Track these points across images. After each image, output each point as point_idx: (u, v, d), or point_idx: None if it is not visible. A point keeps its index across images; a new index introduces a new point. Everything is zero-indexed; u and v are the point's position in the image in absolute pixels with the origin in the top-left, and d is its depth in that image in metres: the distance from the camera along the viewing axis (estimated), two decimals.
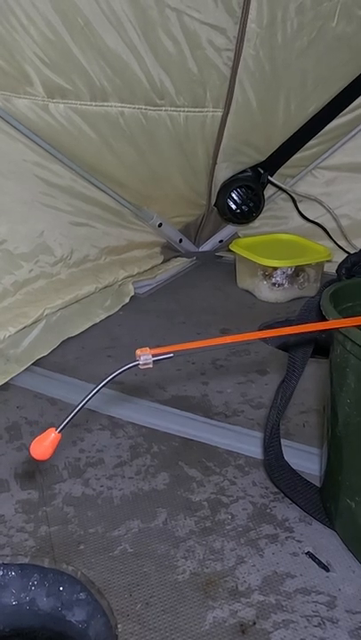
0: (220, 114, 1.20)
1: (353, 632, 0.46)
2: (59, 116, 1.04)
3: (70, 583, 0.53)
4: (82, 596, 0.53)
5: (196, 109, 1.17)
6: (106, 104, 1.07)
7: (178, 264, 1.35)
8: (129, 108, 1.10)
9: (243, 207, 1.29)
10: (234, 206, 1.29)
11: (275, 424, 0.62)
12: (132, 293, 1.15)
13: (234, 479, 0.64)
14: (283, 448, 0.64)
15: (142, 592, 0.50)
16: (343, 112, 1.28)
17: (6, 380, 0.81)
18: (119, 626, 0.46)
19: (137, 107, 1.11)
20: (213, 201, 1.37)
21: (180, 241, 1.41)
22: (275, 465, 0.62)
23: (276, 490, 0.62)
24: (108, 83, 1.04)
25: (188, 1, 1.01)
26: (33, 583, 0.55)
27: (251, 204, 1.30)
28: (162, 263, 1.35)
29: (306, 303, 0.63)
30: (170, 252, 1.41)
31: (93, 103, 1.06)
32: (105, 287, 1.14)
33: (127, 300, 1.13)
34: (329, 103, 1.26)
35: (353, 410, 0.51)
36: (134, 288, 1.17)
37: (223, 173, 1.32)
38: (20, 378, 0.83)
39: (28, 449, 0.66)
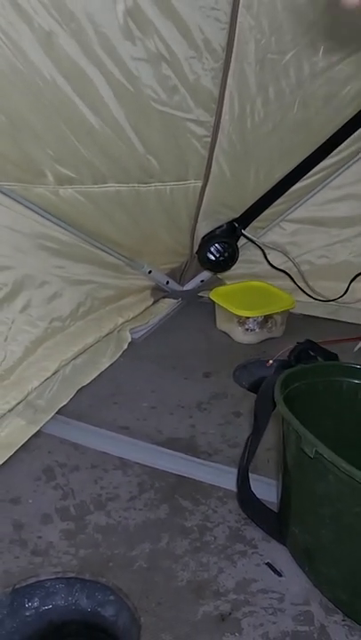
0: (200, 184, 1.42)
1: (295, 617, 0.71)
2: (67, 197, 1.25)
3: (104, 589, 0.77)
4: (112, 598, 0.77)
5: (180, 182, 1.39)
6: (105, 185, 1.28)
7: (166, 306, 1.58)
8: (125, 186, 1.31)
9: (220, 259, 1.52)
10: (213, 258, 1.52)
11: (244, 469, 0.86)
12: (130, 339, 1.37)
13: (215, 508, 0.88)
14: (251, 481, 0.88)
15: (155, 595, 0.73)
16: (303, 178, 1.51)
17: (38, 429, 1.04)
18: (142, 619, 0.70)
19: (131, 185, 1.32)
20: (195, 249, 1.60)
21: (167, 283, 1.64)
22: (245, 498, 0.86)
23: (246, 516, 0.86)
24: (107, 170, 1.26)
25: (173, 105, 1.23)
26: (77, 590, 0.78)
27: (227, 255, 1.53)
28: (152, 304, 1.58)
29: (266, 381, 0.86)
30: (158, 292, 1.64)
31: (95, 186, 1.27)
32: (107, 335, 1.37)
33: (125, 346, 1.36)
34: (291, 172, 1.49)
35: (294, 467, 0.75)
36: (131, 334, 1.40)
37: (203, 229, 1.55)
38: (47, 426, 1.06)
39: (62, 488, 0.90)
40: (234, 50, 1.21)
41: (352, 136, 1.44)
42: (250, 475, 0.87)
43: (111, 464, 0.97)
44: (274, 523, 0.83)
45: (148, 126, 1.24)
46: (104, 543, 0.81)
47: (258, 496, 0.88)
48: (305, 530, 0.75)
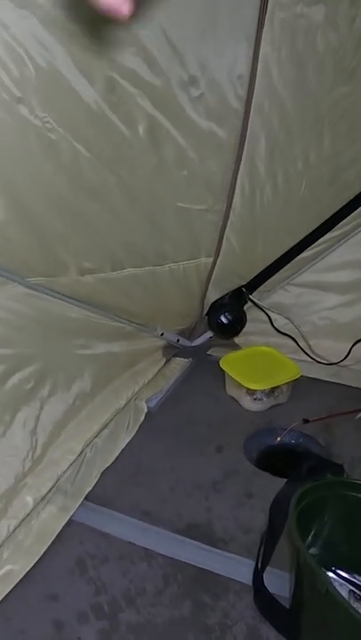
0: (210, 259, 1.51)
1: None
2: (88, 284, 1.33)
3: None
4: None
5: (192, 261, 1.48)
6: (124, 271, 1.36)
7: (177, 367, 1.67)
8: (141, 269, 1.40)
9: (229, 327, 1.61)
10: (222, 326, 1.61)
11: (260, 575, 0.96)
12: (146, 410, 1.47)
13: (234, 604, 0.99)
14: (265, 574, 0.99)
15: None
16: (307, 249, 1.60)
17: (69, 517, 1.14)
18: None
19: (147, 268, 1.40)
20: (205, 312, 1.69)
21: (178, 340, 1.73)
22: (260, 599, 0.96)
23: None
24: (125, 258, 1.34)
25: (188, 200, 1.30)
26: None
27: (235, 322, 1.62)
28: (164, 365, 1.67)
29: (281, 493, 0.96)
30: (169, 350, 1.73)
31: (114, 273, 1.35)
32: (125, 405, 1.46)
33: (142, 417, 1.45)
34: (297, 244, 1.57)
35: (307, 589, 0.85)
36: (147, 403, 1.49)
37: (213, 295, 1.64)
38: (77, 513, 1.15)
39: (94, 582, 1.00)
40: (245, 146, 1.28)
41: (354, 212, 1.53)
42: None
43: (137, 555, 1.07)
44: (287, 623, 0.93)
45: (165, 219, 1.32)
46: None
47: (271, 590, 0.98)
48: None
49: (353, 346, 1.62)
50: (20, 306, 1.20)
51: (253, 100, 1.21)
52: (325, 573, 0.91)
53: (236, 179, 1.34)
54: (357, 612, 0.72)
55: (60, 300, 1.32)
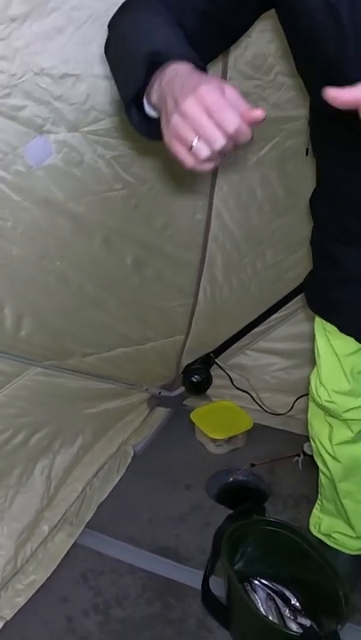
0: (183, 337, 1.95)
1: None
2: (89, 362, 1.76)
3: None
4: None
5: (169, 339, 1.92)
6: (116, 350, 1.79)
7: (159, 416, 2.11)
8: (129, 348, 1.83)
9: (199, 385, 2.05)
10: (193, 385, 2.05)
11: (206, 583, 1.40)
12: (132, 454, 1.91)
13: (190, 603, 1.42)
14: (210, 582, 1.43)
15: None
16: (260, 325, 2.04)
17: (74, 541, 1.58)
18: None
19: (133, 347, 1.84)
20: (180, 371, 2.13)
21: (160, 393, 2.18)
22: (206, 600, 1.40)
23: (207, 611, 1.40)
24: (117, 341, 1.77)
25: (163, 300, 1.75)
26: None
27: (203, 382, 2.06)
28: (149, 413, 2.11)
29: (220, 529, 1.40)
30: (153, 401, 2.17)
31: (108, 353, 1.78)
32: (116, 451, 1.90)
33: (129, 460, 1.89)
34: (250, 323, 2.02)
35: (233, 594, 1.29)
36: (133, 448, 1.93)
37: (186, 360, 2.08)
38: (79, 537, 1.59)
39: (93, 589, 1.44)
40: (206, 262, 1.73)
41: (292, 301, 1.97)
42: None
43: (124, 569, 1.51)
44: (224, 616, 1.37)
45: (148, 314, 1.76)
46: (122, 631, 1.35)
47: (214, 592, 1.42)
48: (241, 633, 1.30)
49: (296, 400, 2.06)
50: (38, 385, 1.62)
51: (210, 233, 1.65)
52: (244, 585, 1.34)
53: (199, 285, 1.79)
54: (260, 611, 1.17)
55: (68, 375, 1.75)
